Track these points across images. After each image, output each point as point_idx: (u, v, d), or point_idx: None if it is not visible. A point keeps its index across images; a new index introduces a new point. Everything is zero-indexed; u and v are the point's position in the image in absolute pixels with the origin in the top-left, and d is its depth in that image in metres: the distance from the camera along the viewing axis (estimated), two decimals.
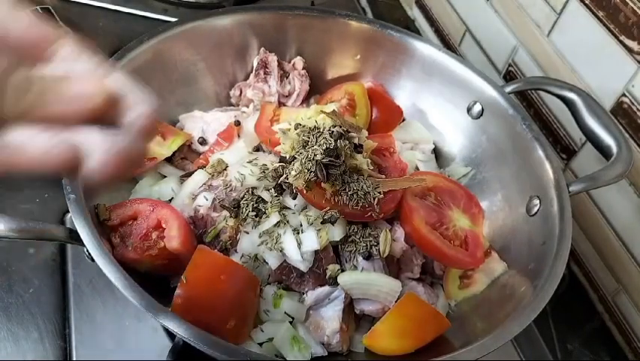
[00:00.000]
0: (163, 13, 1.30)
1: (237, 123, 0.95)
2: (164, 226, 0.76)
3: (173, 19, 1.24)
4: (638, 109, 0.89)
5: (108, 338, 0.81)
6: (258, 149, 0.93)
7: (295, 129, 0.81)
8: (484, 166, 0.98)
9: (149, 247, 0.75)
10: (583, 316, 1.03)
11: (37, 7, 1.16)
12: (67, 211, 0.89)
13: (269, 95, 1.02)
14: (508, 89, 0.96)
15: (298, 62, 1.05)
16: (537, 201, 0.85)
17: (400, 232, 0.82)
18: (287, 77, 1.04)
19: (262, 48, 1.03)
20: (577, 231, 1.05)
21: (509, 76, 1.17)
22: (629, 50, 0.88)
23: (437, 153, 1.04)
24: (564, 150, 1.05)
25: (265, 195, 0.81)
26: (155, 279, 0.76)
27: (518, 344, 0.93)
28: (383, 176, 0.84)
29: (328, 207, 0.77)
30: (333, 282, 0.77)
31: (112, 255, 0.68)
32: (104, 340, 0.81)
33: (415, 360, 0.74)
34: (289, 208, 0.80)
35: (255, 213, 0.79)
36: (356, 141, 0.83)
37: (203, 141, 0.95)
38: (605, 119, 0.87)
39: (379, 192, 0.79)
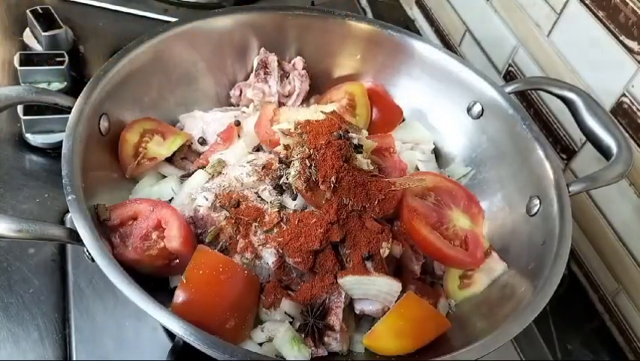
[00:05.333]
0: (163, 13, 1.30)
1: (237, 123, 0.95)
2: (164, 226, 0.76)
3: (173, 19, 1.24)
4: (638, 109, 0.89)
5: (108, 338, 0.81)
6: (258, 149, 0.93)
7: (295, 129, 0.82)
8: (484, 166, 0.98)
9: (149, 247, 0.75)
10: (583, 316, 1.03)
11: (38, 7, 1.17)
12: (67, 211, 0.89)
13: (269, 95, 1.02)
14: (508, 89, 0.96)
15: (298, 62, 1.05)
16: (537, 201, 0.85)
17: (399, 232, 0.82)
18: (287, 77, 1.04)
19: (262, 48, 1.03)
20: (577, 231, 1.05)
21: (509, 76, 1.17)
22: (629, 50, 0.88)
23: (437, 153, 1.04)
24: (564, 150, 1.05)
25: (265, 195, 0.81)
26: (155, 279, 0.76)
27: (518, 344, 0.93)
28: (383, 176, 0.84)
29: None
30: (333, 282, 0.77)
31: (112, 255, 0.68)
32: (104, 340, 0.81)
33: (415, 360, 0.74)
34: (289, 208, 0.80)
35: (254, 214, 0.79)
36: (356, 141, 0.83)
37: (203, 141, 0.95)
38: (605, 119, 0.87)
39: (379, 192, 0.79)
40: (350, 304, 0.79)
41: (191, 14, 1.24)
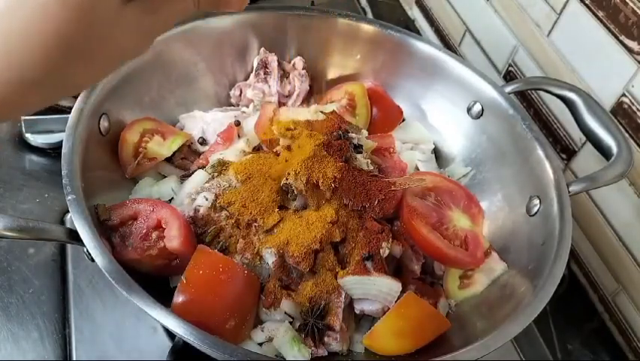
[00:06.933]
0: None
1: (237, 123, 0.95)
2: (164, 226, 0.76)
3: None
4: (638, 109, 0.89)
5: (108, 338, 0.81)
6: (258, 149, 0.93)
7: (295, 129, 0.82)
8: (484, 166, 0.98)
9: (149, 247, 0.75)
10: (583, 316, 1.03)
11: None
12: (68, 211, 0.89)
13: (269, 95, 1.02)
14: (508, 89, 0.96)
15: (298, 62, 1.05)
16: (537, 201, 0.85)
17: (399, 232, 0.82)
18: (287, 77, 1.04)
19: (262, 48, 1.03)
20: (577, 231, 1.04)
21: (509, 76, 1.17)
22: (629, 50, 0.88)
23: (437, 153, 1.04)
24: (564, 150, 1.05)
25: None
26: (155, 279, 0.76)
27: (518, 344, 0.93)
28: (383, 176, 0.84)
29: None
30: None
31: (112, 255, 0.68)
32: (104, 340, 0.81)
33: (415, 360, 0.74)
34: (289, 208, 0.80)
35: (254, 213, 0.79)
36: (356, 141, 0.83)
37: (203, 141, 0.95)
38: (605, 119, 0.87)
39: (379, 192, 0.79)
40: (350, 304, 0.79)
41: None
